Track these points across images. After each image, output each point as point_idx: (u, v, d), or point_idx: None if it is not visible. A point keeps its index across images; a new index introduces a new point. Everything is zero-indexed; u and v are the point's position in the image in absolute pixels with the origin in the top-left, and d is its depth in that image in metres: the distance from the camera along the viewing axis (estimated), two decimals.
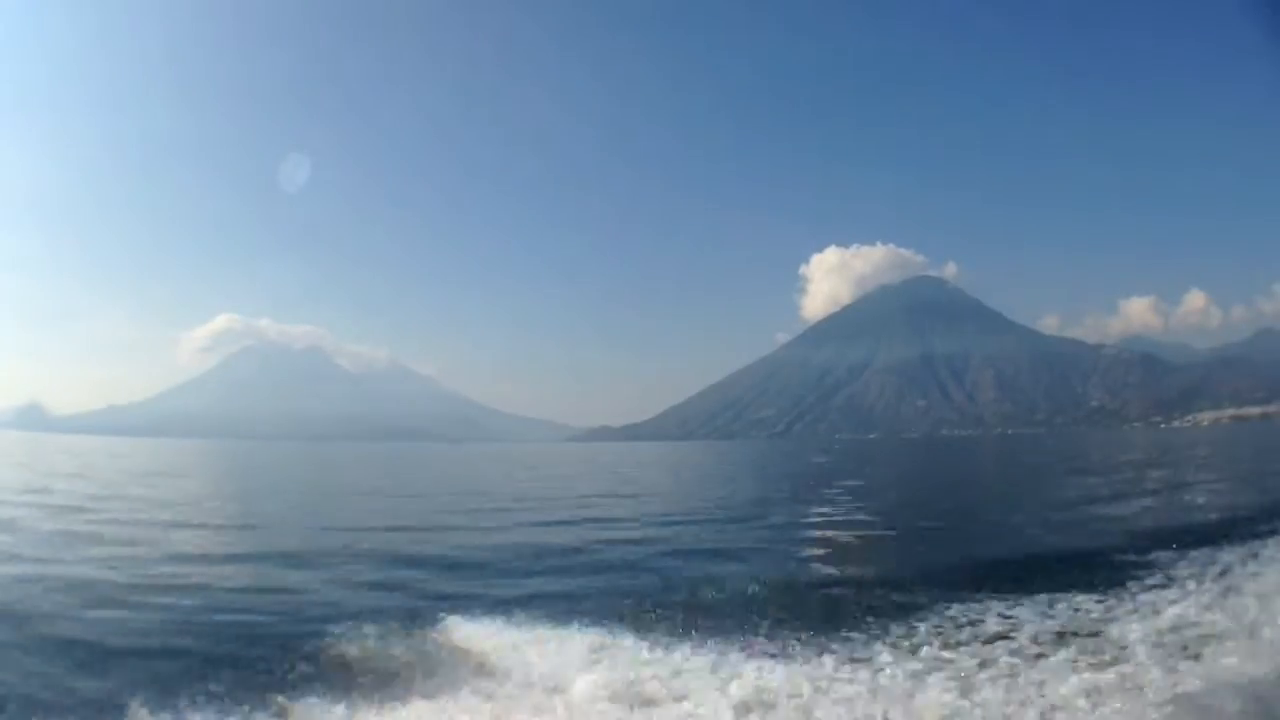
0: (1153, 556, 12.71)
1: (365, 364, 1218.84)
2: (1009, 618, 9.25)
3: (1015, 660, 7.71)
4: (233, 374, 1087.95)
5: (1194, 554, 12.80)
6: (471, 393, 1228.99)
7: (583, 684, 7.51)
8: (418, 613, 10.09)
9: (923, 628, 9.13)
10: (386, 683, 7.89)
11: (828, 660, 8.12)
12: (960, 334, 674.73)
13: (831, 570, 14.27)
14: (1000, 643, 8.39)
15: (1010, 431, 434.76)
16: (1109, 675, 6.72)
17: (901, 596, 10.65)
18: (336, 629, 9.32)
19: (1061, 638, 8.39)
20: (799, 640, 8.79)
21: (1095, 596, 9.75)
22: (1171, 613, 8.74)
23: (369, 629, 9.20)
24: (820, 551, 16.62)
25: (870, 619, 9.54)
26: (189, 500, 30.05)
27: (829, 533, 19.59)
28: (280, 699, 7.38)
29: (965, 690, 6.99)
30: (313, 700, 7.45)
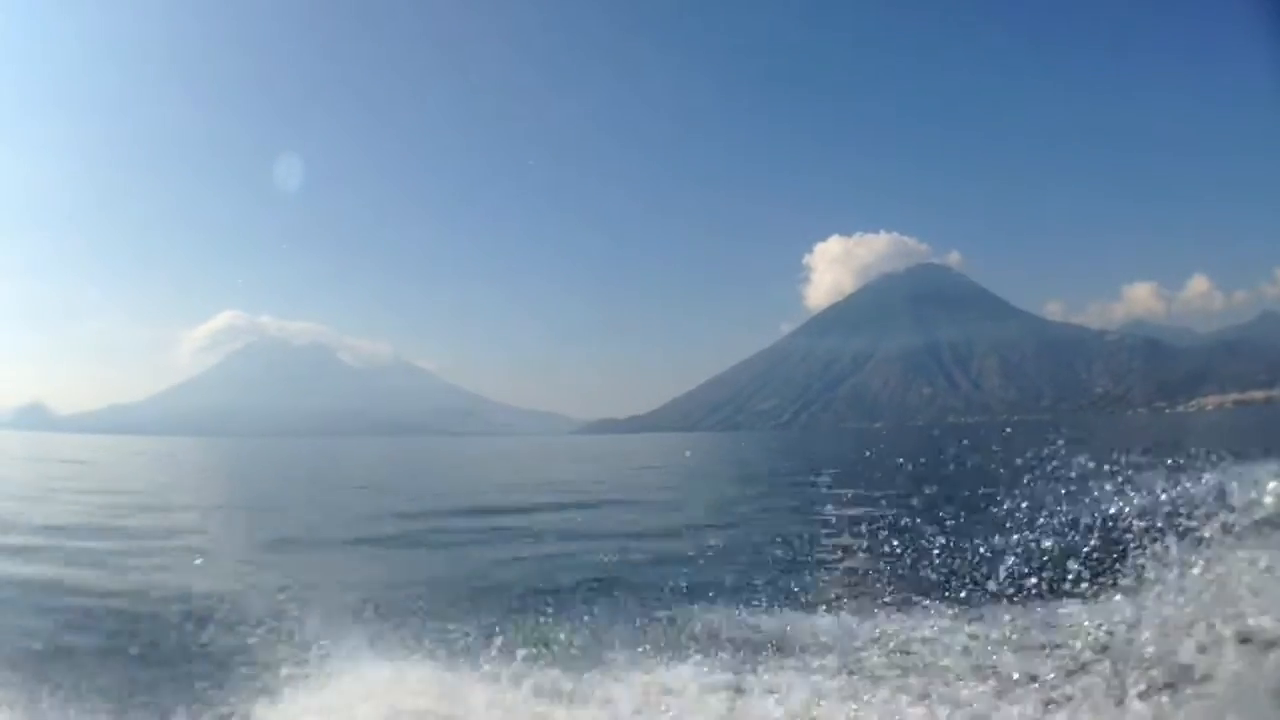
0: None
1: (368, 359, 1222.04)
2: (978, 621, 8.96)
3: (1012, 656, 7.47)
4: (235, 371, 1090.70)
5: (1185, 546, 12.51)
6: (474, 386, 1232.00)
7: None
8: None
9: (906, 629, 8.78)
10: None
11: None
12: (965, 321, 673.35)
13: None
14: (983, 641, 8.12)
15: (1016, 418, 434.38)
16: (1093, 676, 6.48)
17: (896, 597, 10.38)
18: None
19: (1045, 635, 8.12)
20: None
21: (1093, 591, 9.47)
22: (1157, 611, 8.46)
23: None
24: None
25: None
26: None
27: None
28: None
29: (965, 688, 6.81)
30: None
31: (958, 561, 11.39)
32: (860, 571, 13.39)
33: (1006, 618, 8.80)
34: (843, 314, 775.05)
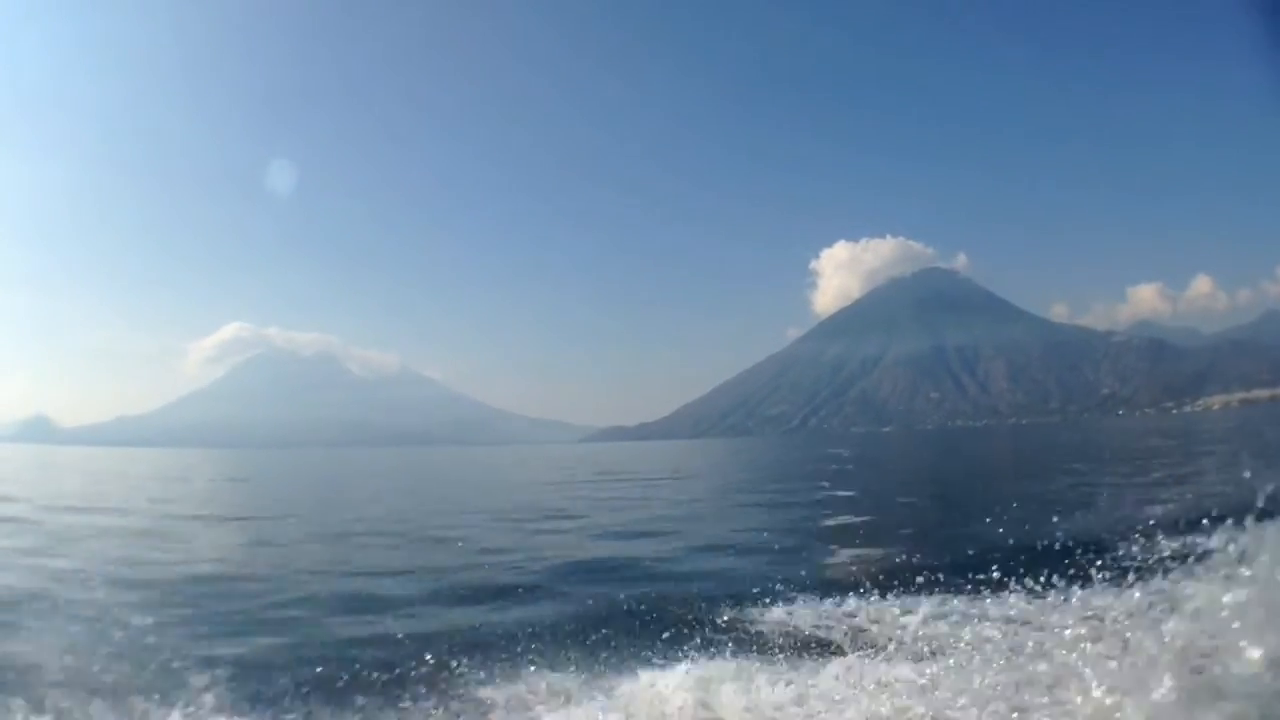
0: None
1: (375, 369, 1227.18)
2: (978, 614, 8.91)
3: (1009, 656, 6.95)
4: (242, 382, 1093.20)
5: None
6: (482, 396, 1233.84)
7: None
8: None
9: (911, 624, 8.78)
10: None
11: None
12: (971, 325, 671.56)
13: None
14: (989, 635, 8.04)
15: (1024, 421, 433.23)
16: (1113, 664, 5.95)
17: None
18: None
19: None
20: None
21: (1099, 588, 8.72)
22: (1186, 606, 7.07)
23: None
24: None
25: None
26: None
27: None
28: None
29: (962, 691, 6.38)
30: None
31: (972, 551, 11.59)
32: (869, 561, 13.54)
33: (1029, 606, 8.55)
34: (850, 319, 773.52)
